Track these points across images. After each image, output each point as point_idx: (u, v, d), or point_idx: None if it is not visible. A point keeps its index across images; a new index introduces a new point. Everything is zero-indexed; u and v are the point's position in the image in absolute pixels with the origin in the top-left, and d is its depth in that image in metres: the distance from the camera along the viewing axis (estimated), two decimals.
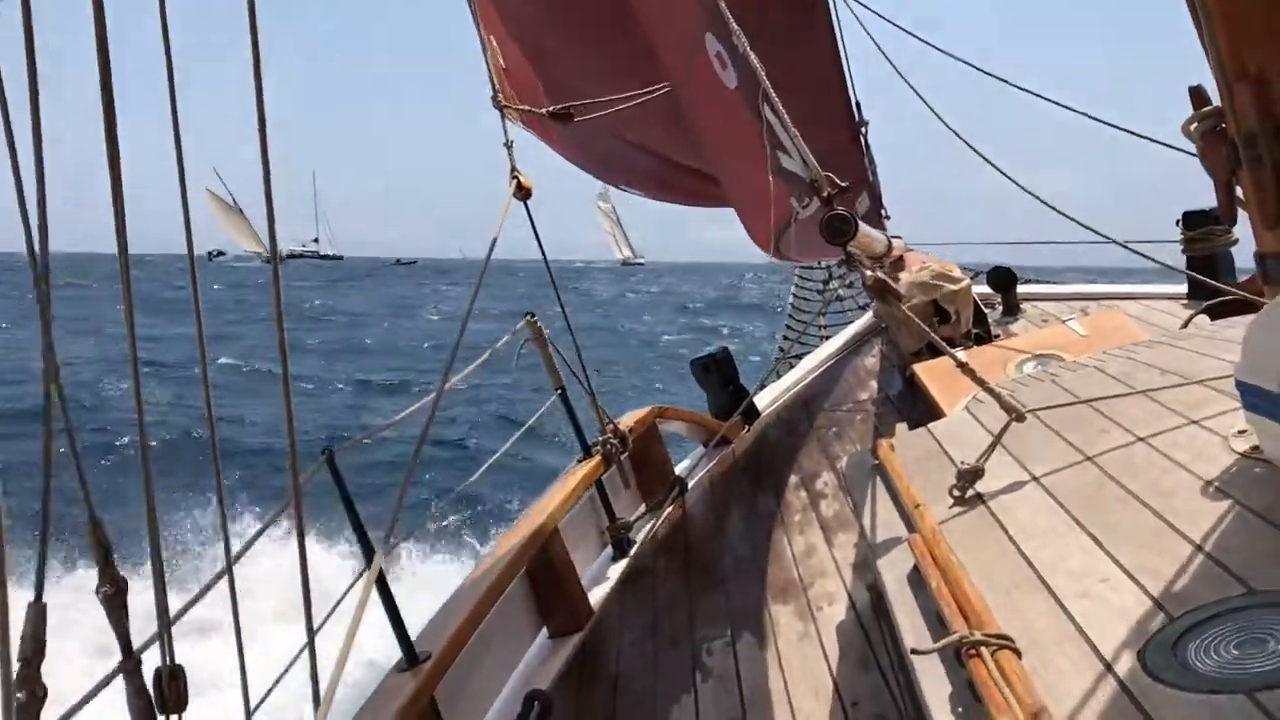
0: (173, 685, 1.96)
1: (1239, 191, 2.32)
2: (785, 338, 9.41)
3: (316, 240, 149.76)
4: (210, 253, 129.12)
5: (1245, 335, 1.98)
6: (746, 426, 5.89)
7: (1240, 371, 1.98)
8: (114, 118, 1.69)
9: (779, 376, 7.25)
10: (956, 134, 5.51)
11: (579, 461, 4.79)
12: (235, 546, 2.26)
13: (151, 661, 1.95)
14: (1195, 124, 2.34)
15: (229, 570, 2.18)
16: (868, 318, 7.59)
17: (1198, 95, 2.34)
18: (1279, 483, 1.95)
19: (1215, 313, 4.81)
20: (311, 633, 2.21)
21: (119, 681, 1.92)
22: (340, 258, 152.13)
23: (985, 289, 6.84)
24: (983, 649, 1.72)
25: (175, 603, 1.98)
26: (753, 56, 3.05)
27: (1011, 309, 6.70)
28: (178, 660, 1.94)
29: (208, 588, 2.19)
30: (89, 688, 1.92)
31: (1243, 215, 2.37)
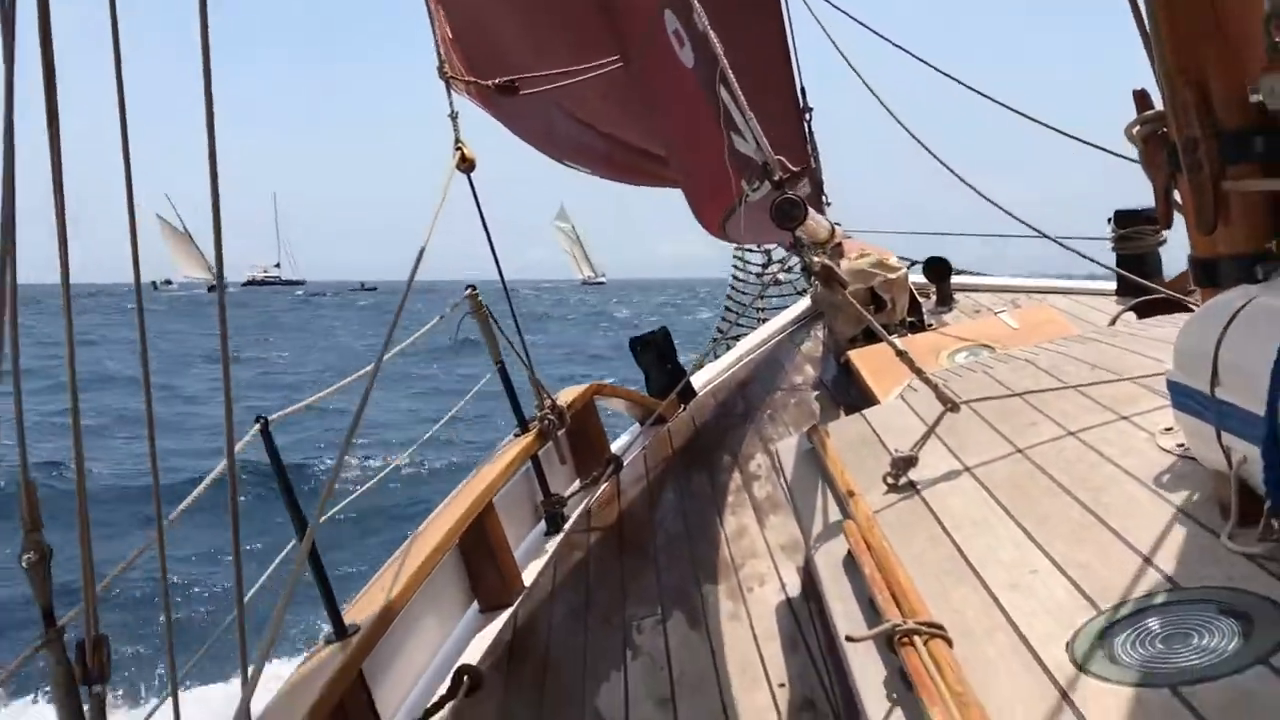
0: (96, 655, 1.92)
1: (1176, 196, 2.37)
2: (723, 319, 9.45)
3: (278, 265, 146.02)
4: (155, 283, 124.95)
5: (1179, 336, 2.03)
6: (683, 406, 5.91)
7: (1170, 370, 2.02)
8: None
9: (716, 357, 7.28)
10: (898, 120, 5.57)
11: (515, 436, 4.78)
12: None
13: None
14: (1138, 127, 2.39)
15: (160, 535, 2.13)
16: (805, 302, 7.65)
17: (1141, 99, 2.38)
18: (1204, 480, 2.01)
19: (1142, 310, 4.93)
20: (241, 602, 2.18)
21: None
22: (303, 283, 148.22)
23: (920, 278, 6.93)
24: (915, 637, 1.75)
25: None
26: (712, 35, 3.04)
27: (945, 299, 6.79)
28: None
29: (137, 554, 2.14)
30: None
31: (1178, 218, 2.43)
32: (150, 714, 2.48)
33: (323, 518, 2.54)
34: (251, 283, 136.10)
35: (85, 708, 1.91)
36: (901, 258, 6.50)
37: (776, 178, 3.05)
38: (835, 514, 2.61)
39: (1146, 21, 2.21)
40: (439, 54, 4.27)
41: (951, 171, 5.18)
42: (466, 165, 4.11)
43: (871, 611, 2.02)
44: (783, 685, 2.78)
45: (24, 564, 1.85)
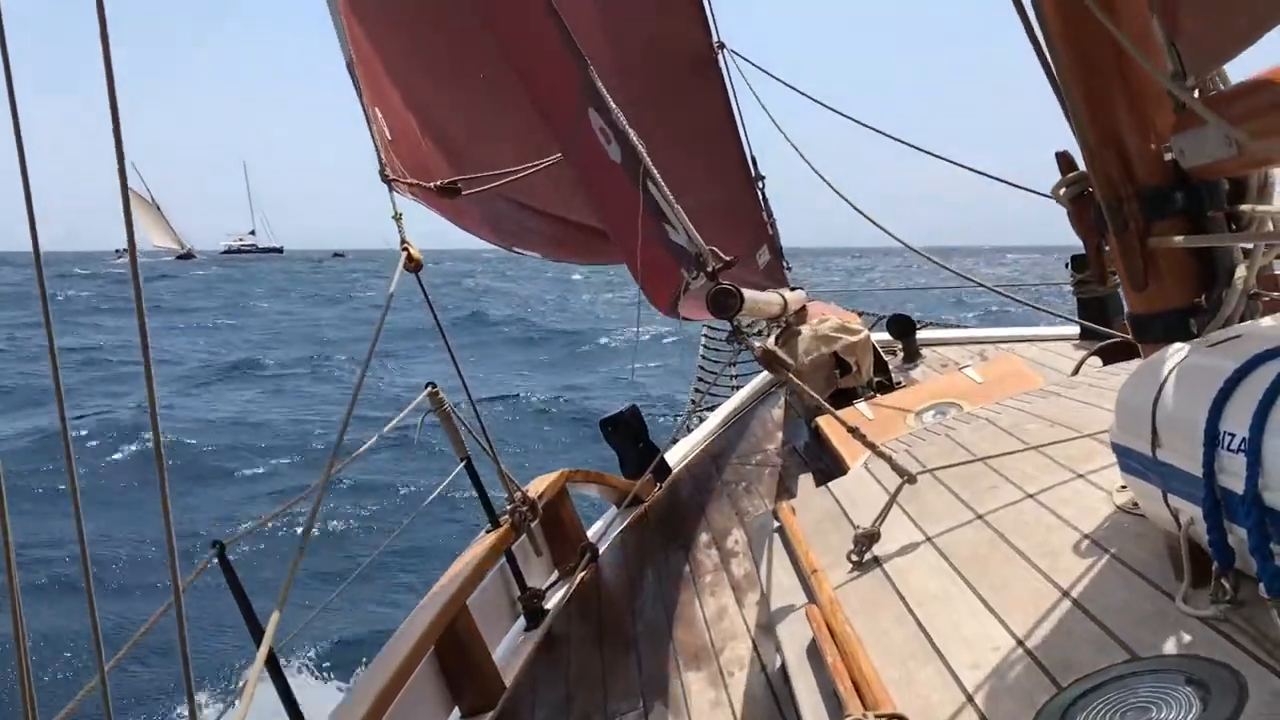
0: None
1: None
2: (696, 389, 9.40)
3: (254, 233, 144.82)
4: (118, 250, 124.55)
5: (1118, 396, 2.02)
6: (658, 484, 5.85)
7: (1114, 433, 2.01)
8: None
9: (690, 430, 7.24)
10: (829, 184, 5.63)
11: (487, 532, 4.71)
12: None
13: None
14: (1064, 189, 2.41)
15: (101, 676, 2.08)
16: None
17: (1064, 160, 2.41)
18: (1157, 540, 1.99)
19: (1107, 354, 4.95)
20: None
21: None
22: (280, 250, 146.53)
23: (885, 336, 6.95)
24: None
25: None
26: (632, 134, 3.06)
27: (912, 355, 6.80)
28: None
29: (79, 699, 2.08)
30: None
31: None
32: None
33: (279, 640, 2.48)
34: (229, 252, 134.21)
35: None
36: (864, 313, 6.52)
37: (710, 268, 3.05)
38: (801, 596, 2.57)
39: (1062, 89, 2.24)
40: (379, 157, 4.29)
41: (906, 245, 5.23)
42: (414, 265, 4.10)
43: (836, 702, 1.97)
44: None
45: None
